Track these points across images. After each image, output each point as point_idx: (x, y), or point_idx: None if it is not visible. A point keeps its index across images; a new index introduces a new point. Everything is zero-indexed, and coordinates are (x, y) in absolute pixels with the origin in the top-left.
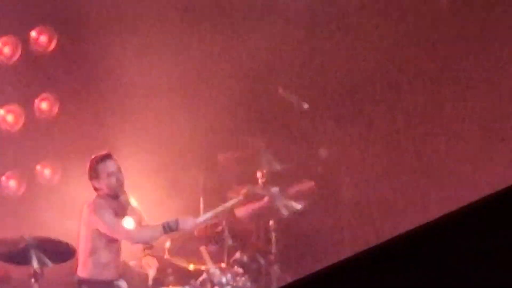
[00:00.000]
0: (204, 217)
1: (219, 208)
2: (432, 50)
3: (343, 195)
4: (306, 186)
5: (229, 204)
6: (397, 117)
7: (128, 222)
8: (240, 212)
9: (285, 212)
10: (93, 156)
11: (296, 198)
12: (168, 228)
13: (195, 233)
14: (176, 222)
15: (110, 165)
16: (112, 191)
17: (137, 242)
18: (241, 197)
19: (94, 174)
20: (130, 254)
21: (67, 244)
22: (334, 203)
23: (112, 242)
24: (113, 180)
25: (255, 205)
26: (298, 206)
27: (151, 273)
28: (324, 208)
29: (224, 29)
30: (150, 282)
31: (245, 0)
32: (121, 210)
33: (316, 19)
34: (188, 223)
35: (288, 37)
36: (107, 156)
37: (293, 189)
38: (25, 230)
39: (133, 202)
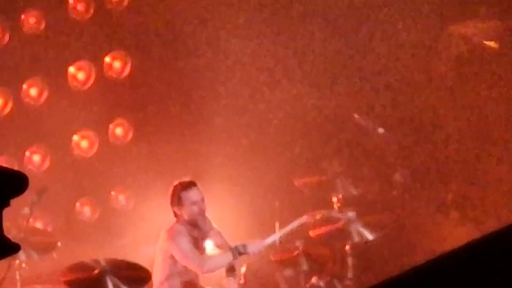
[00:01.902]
0: (271, 238)
1: (287, 229)
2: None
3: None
4: (386, 218)
5: (295, 223)
6: (470, 141)
7: (208, 245)
8: (315, 232)
9: (356, 239)
10: (177, 182)
11: (373, 227)
12: (237, 253)
13: (271, 257)
14: (244, 246)
15: (194, 194)
16: (193, 219)
17: (207, 272)
18: (307, 217)
19: (176, 200)
20: (207, 278)
21: (142, 268)
22: (412, 227)
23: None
24: (195, 209)
25: (330, 227)
26: (370, 236)
27: None
28: (401, 232)
29: (298, 52)
30: None
31: (317, 26)
32: (200, 236)
33: (395, 51)
34: (256, 245)
35: (364, 65)
36: (192, 184)
37: (372, 218)
38: (100, 255)
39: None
